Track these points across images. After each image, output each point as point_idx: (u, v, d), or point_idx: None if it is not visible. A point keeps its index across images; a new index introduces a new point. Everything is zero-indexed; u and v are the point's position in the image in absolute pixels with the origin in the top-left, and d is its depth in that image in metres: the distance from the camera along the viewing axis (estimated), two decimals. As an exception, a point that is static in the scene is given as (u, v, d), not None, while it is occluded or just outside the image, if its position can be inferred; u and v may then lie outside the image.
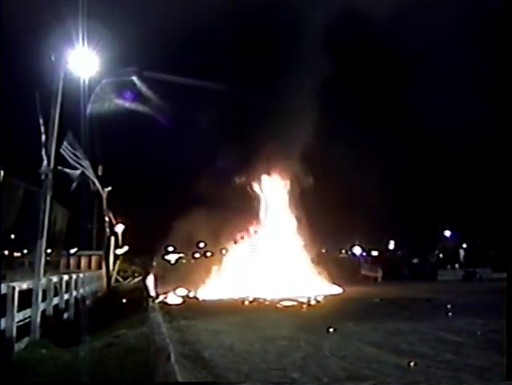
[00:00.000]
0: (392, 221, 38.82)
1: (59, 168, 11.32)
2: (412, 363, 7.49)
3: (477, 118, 36.55)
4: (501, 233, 29.10)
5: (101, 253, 26.63)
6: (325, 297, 21.03)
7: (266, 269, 26.41)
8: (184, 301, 20.42)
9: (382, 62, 36.55)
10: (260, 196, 29.40)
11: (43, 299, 10.31)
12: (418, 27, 35.68)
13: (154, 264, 36.20)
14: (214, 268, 27.81)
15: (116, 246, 28.59)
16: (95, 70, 12.03)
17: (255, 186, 29.15)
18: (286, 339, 10.17)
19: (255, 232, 29.04)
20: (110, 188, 25.67)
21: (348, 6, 29.53)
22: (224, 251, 30.69)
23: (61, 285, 12.23)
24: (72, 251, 28.01)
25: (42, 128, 10.47)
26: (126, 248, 31.80)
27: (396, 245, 46.11)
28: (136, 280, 27.10)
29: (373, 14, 30.37)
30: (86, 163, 18.05)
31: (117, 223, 29.14)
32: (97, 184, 23.29)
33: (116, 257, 28.21)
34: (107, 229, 26.79)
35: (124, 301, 18.56)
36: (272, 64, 27.99)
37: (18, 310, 8.43)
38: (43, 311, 10.30)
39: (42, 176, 10.29)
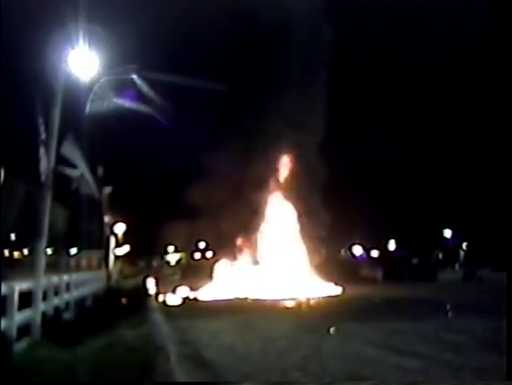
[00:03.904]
0: (391, 221, 38.87)
1: (59, 167, 11.30)
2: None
3: (476, 118, 36.61)
4: (501, 232, 29.12)
5: (101, 252, 26.60)
6: (325, 297, 21.03)
7: (266, 269, 26.44)
8: (184, 302, 20.43)
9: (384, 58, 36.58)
10: (261, 196, 29.35)
11: (43, 299, 10.30)
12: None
13: (154, 264, 36.29)
14: (214, 268, 27.81)
15: (116, 246, 28.60)
16: (95, 70, 12.01)
17: (256, 185, 29.11)
18: (286, 339, 10.18)
19: (256, 232, 29.04)
20: (110, 188, 25.67)
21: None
22: (224, 251, 30.68)
23: (61, 285, 12.21)
24: (72, 251, 27.98)
25: (42, 128, 10.46)
26: (126, 247, 31.82)
27: (396, 244, 46.12)
28: (136, 280, 27.08)
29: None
30: (86, 162, 18.03)
31: (117, 222, 29.15)
32: (97, 183, 23.27)
33: (116, 257, 28.22)
34: (107, 229, 26.78)
35: (124, 301, 18.54)
36: (274, 63, 27.98)
37: (18, 310, 8.42)
38: (43, 311, 10.29)
39: (42, 176, 10.28)
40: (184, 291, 22.51)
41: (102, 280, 23.46)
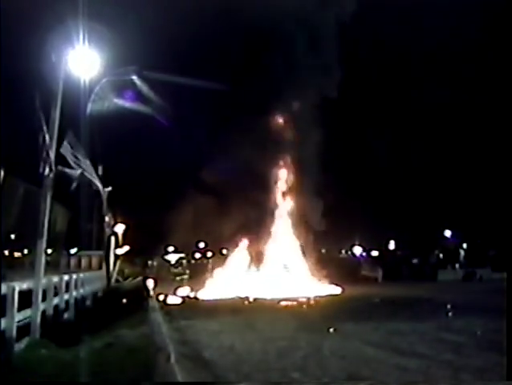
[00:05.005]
0: (392, 221, 38.87)
1: (59, 167, 11.29)
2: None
3: (476, 119, 36.60)
4: (501, 232, 29.14)
5: (101, 253, 26.60)
6: (325, 297, 21.03)
7: (266, 269, 26.44)
8: (184, 301, 20.42)
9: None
10: (262, 196, 29.33)
11: (43, 299, 10.30)
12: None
13: (154, 264, 36.25)
14: (214, 268, 27.82)
15: (116, 246, 28.56)
16: (95, 70, 12.02)
17: (256, 186, 29.08)
18: (286, 339, 10.16)
19: (256, 232, 29.02)
20: (110, 188, 25.66)
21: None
22: (224, 251, 30.69)
23: (61, 285, 12.21)
24: (72, 251, 28.00)
25: (43, 128, 10.45)
26: (126, 248, 31.76)
27: (396, 245, 46.13)
28: (136, 280, 27.06)
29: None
30: (86, 163, 18.02)
31: (117, 223, 29.09)
32: (97, 183, 23.27)
33: (116, 257, 28.18)
34: (107, 229, 26.75)
35: (124, 301, 18.56)
36: (274, 62, 27.93)
37: (18, 310, 8.41)
38: (43, 311, 10.29)
39: (42, 176, 10.27)
40: (184, 291, 22.50)
41: (102, 280, 23.47)
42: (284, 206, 29.74)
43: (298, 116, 28.57)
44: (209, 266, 28.80)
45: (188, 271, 30.20)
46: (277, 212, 29.56)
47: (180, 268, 31.62)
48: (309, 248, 28.35)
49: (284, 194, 29.95)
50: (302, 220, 28.69)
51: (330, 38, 28.78)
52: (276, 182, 29.95)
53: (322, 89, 28.66)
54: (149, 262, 42.20)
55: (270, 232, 28.97)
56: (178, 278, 28.07)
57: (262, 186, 29.01)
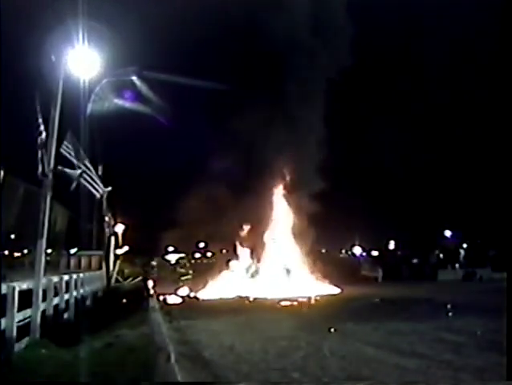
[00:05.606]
0: (392, 221, 38.87)
1: (59, 168, 11.29)
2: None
3: (476, 118, 36.60)
4: (501, 232, 29.14)
5: (101, 253, 26.61)
6: (325, 297, 21.04)
7: (266, 269, 26.43)
8: (184, 301, 20.43)
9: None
10: (260, 197, 29.32)
11: (43, 299, 10.30)
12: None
13: (154, 264, 36.23)
14: (214, 268, 27.81)
15: (116, 246, 28.58)
16: (95, 70, 12.02)
17: (256, 187, 29.08)
18: (287, 339, 10.17)
19: (256, 232, 29.01)
20: (110, 188, 25.64)
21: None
22: (224, 251, 30.66)
23: (61, 285, 12.21)
24: (72, 251, 27.99)
25: (42, 128, 10.45)
26: (126, 248, 31.80)
27: (396, 245, 46.15)
28: (136, 280, 27.07)
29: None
30: (86, 163, 18.01)
31: (117, 223, 29.10)
32: (97, 183, 23.25)
33: (116, 257, 28.21)
34: (107, 229, 26.77)
35: (124, 301, 18.56)
36: (273, 64, 27.90)
37: (18, 310, 8.41)
38: (43, 311, 10.29)
39: (42, 177, 10.26)
40: (184, 291, 22.50)
41: (102, 280, 23.49)
42: (284, 206, 29.75)
43: (297, 116, 28.53)
44: (218, 264, 28.66)
45: (191, 271, 30.23)
46: (278, 206, 29.55)
47: (184, 268, 31.58)
48: (304, 236, 28.22)
49: (283, 195, 29.97)
50: (303, 221, 28.62)
51: (334, 22, 28.72)
52: (275, 181, 29.96)
53: (325, 81, 28.70)
54: (152, 262, 42.22)
55: (270, 225, 28.96)
56: (184, 278, 28.04)
57: (261, 185, 29.03)
